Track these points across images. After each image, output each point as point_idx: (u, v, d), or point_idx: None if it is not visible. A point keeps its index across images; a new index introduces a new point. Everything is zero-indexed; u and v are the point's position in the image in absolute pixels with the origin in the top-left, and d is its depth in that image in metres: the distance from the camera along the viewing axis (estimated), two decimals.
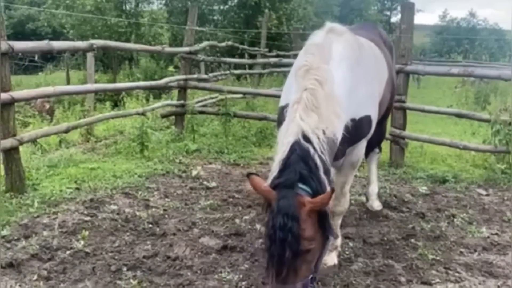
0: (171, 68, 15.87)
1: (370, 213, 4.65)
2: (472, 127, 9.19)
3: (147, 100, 9.94)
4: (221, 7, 24.77)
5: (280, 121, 3.27)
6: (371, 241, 4.04)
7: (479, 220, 4.59)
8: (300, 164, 2.38)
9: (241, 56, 18.04)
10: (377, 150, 4.77)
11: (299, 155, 2.41)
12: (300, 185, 2.35)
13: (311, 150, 2.44)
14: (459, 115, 6.27)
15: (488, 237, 4.18)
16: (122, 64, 21.60)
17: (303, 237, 2.24)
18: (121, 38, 19.01)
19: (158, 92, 12.45)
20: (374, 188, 4.74)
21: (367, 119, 3.20)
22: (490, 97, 12.28)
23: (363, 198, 4.99)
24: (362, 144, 3.30)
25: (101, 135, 7.60)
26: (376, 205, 4.68)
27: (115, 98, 11.54)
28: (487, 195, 5.44)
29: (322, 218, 2.37)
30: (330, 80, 2.70)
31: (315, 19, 24.72)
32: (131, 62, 21.60)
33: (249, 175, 2.43)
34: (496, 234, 4.26)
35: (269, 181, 2.44)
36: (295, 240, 2.21)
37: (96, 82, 9.65)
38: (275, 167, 2.47)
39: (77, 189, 4.97)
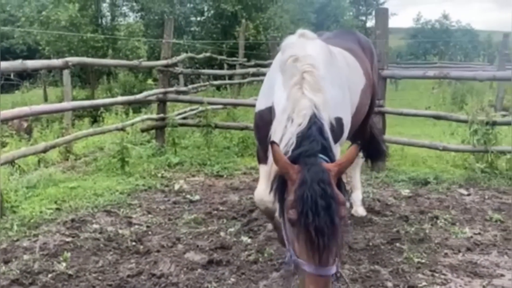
0: (150, 81, 15.76)
1: (355, 219, 4.66)
2: (451, 128, 9.27)
3: (127, 114, 9.86)
4: (198, 19, 24.83)
5: (259, 126, 3.24)
6: (356, 247, 4.04)
7: (462, 221, 4.64)
8: (320, 135, 2.42)
9: (220, 66, 18.06)
10: (360, 155, 4.79)
11: (318, 126, 2.46)
12: (320, 155, 2.36)
13: (325, 123, 2.52)
14: (437, 117, 6.35)
15: (471, 237, 4.23)
16: (100, 78, 21.41)
17: (339, 203, 2.22)
18: (98, 52, 18.86)
19: (137, 106, 12.35)
20: (358, 194, 4.77)
21: (338, 121, 3.10)
22: (466, 97, 12.50)
23: (347, 204, 4.99)
24: (336, 150, 3.11)
25: (81, 153, 7.48)
26: (361, 210, 4.70)
27: (94, 114, 11.41)
28: (468, 194, 5.52)
29: (339, 182, 2.38)
30: (320, 67, 2.77)
31: (292, 27, 24.88)
32: (109, 76, 21.42)
33: (272, 143, 2.32)
34: (479, 233, 4.31)
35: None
36: (337, 206, 2.17)
37: (74, 98, 9.54)
38: (289, 140, 2.45)
39: (58, 209, 4.88)
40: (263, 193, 3.39)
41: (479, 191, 5.61)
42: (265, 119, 3.08)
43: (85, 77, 21.15)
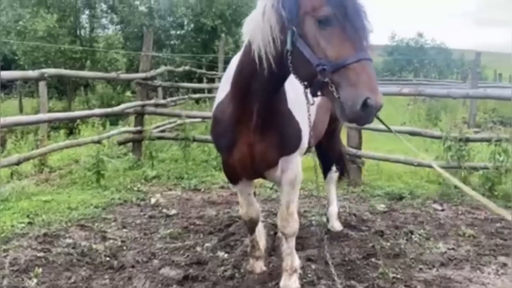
0: (128, 93, 15.71)
1: (331, 233, 4.68)
2: (425, 144, 9.49)
3: (104, 126, 9.74)
4: (178, 32, 24.87)
5: (218, 119, 3.08)
6: (332, 262, 4.02)
7: (436, 236, 4.71)
8: None
9: (199, 80, 18.07)
10: (334, 169, 4.83)
11: None
12: None
13: None
14: (413, 133, 6.47)
15: (445, 252, 4.28)
16: (77, 90, 21.17)
17: None
18: (76, 64, 18.68)
19: (114, 118, 12.24)
20: (334, 209, 4.79)
21: (297, 128, 3.05)
22: (440, 113, 12.77)
23: (324, 219, 5.02)
24: (296, 159, 3.15)
25: (56, 165, 7.35)
26: (337, 225, 4.73)
27: (70, 126, 11.25)
28: (442, 210, 5.61)
29: None
30: None
31: None
32: (86, 88, 21.20)
33: None
34: (453, 249, 4.37)
35: None
36: None
37: (50, 110, 9.37)
38: None
39: (30, 223, 4.76)
40: (247, 208, 3.46)
41: (453, 206, 5.71)
42: (225, 111, 3.00)
43: (62, 88, 20.89)
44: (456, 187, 6.16)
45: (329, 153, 4.66)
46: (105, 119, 10.15)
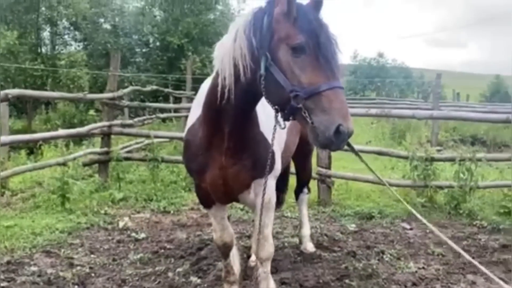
0: (92, 112, 15.35)
1: (304, 255, 4.67)
2: (391, 162, 9.69)
3: (67, 146, 9.46)
4: (143, 50, 24.66)
5: (190, 142, 3.06)
6: (307, 285, 4.04)
7: (406, 255, 4.77)
8: None
9: (165, 98, 17.89)
10: (305, 190, 4.85)
11: None
12: None
13: None
14: (380, 153, 6.59)
15: (416, 271, 4.34)
16: (38, 108, 20.55)
17: None
18: (37, 82, 18.20)
19: (78, 138, 11.92)
20: (306, 230, 4.80)
21: (271, 153, 3.00)
22: (405, 132, 13.11)
23: (296, 240, 5.02)
24: (270, 183, 3.11)
25: (17, 188, 7.06)
26: (310, 247, 4.73)
27: (31, 145, 10.87)
28: (411, 229, 5.71)
29: None
30: None
31: None
32: (47, 106, 20.62)
33: None
34: (423, 268, 4.44)
35: None
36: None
37: (9, 129, 9.04)
38: None
39: None
40: (220, 232, 3.41)
41: (421, 225, 5.81)
42: (197, 134, 2.99)
43: (22, 107, 20.25)
44: (423, 205, 6.31)
45: (301, 175, 4.68)
46: (69, 139, 9.86)
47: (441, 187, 6.40)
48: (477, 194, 6.55)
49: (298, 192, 4.77)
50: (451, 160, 6.35)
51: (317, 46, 2.32)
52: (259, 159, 2.95)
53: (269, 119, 3.01)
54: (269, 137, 2.96)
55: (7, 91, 5.17)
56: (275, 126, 2.63)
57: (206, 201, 3.30)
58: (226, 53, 2.61)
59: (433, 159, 6.36)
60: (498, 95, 37.36)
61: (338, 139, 2.22)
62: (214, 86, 2.77)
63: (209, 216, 3.59)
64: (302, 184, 4.77)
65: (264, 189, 2.89)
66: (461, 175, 6.26)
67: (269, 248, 3.30)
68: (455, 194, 6.19)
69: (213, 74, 2.84)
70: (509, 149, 12.87)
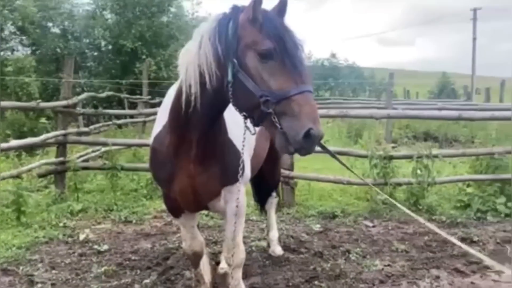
0: (43, 120, 14.75)
1: (272, 258, 4.67)
2: (349, 161, 9.87)
3: (18, 157, 9.05)
4: (95, 53, 24.00)
5: (156, 150, 2.99)
6: None
7: (372, 253, 4.87)
8: None
9: (120, 103, 17.48)
10: (274, 194, 4.86)
11: None
12: None
13: None
14: (340, 153, 6.67)
15: (382, 269, 4.44)
16: None
17: None
18: None
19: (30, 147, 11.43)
20: (274, 234, 4.81)
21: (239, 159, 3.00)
22: (360, 131, 13.39)
23: (264, 244, 5.02)
24: (240, 189, 3.11)
25: None
26: (278, 250, 4.74)
27: None
28: (374, 226, 5.83)
29: None
30: None
31: None
32: None
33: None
34: (389, 265, 4.54)
35: None
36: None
37: None
38: None
39: None
40: (190, 241, 3.36)
41: (383, 222, 5.97)
42: (164, 142, 2.93)
43: None
44: (383, 203, 6.45)
45: (270, 180, 4.68)
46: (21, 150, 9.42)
47: (400, 184, 6.57)
48: (434, 189, 6.78)
49: (266, 196, 4.77)
50: (409, 157, 6.54)
51: (284, 51, 2.32)
52: (228, 166, 2.93)
53: (237, 126, 2.99)
54: (237, 143, 2.95)
55: None
56: (244, 132, 2.62)
57: (175, 210, 3.24)
58: (191, 61, 2.57)
59: (391, 157, 6.52)
60: (445, 91, 38.91)
61: (309, 143, 2.22)
62: (179, 94, 2.72)
63: (179, 225, 3.53)
64: (271, 188, 4.77)
65: (236, 195, 2.87)
66: (419, 171, 6.45)
67: (240, 255, 3.29)
68: (414, 191, 6.38)
69: (178, 81, 2.79)
70: (460, 144, 13.44)
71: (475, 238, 5.23)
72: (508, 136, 9.11)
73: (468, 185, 6.72)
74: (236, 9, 2.50)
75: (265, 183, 4.66)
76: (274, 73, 2.32)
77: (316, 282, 4.14)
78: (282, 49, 2.32)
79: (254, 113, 2.38)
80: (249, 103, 2.38)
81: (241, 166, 2.88)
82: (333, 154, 2.82)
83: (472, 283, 4.12)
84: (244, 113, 2.48)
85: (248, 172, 3.15)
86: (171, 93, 2.94)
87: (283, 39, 2.34)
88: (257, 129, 3.69)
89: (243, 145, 2.80)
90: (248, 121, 2.49)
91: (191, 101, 2.62)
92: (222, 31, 2.47)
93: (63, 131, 6.95)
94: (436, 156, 6.21)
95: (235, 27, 2.43)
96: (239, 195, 3.07)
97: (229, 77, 2.42)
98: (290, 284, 4.12)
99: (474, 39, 37.60)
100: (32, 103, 6.65)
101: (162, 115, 3.00)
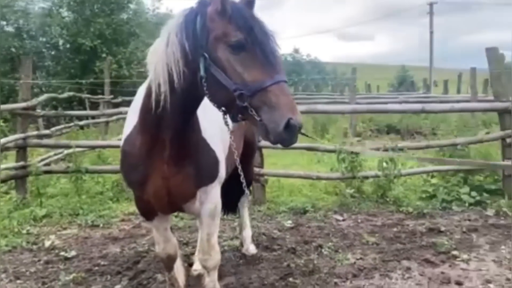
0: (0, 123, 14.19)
1: (246, 257, 4.64)
2: (317, 156, 9.98)
3: None
4: (52, 53, 23.25)
5: (127, 153, 2.90)
6: None
7: (343, 247, 4.91)
8: None
9: (80, 103, 17.00)
10: (247, 192, 4.80)
11: None
12: None
13: None
14: (310, 149, 6.73)
15: (355, 262, 4.49)
16: None
17: None
18: None
19: None
20: (248, 232, 4.77)
21: (215, 160, 3.01)
22: (325, 125, 13.54)
23: (236, 243, 4.98)
24: (215, 190, 3.09)
25: None
26: (252, 248, 4.71)
27: None
28: (344, 220, 5.89)
29: None
30: None
31: None
32: None
33: None
34: (361, 258, 4.59)
35: None
36: None
37: None
38: None
39: None
40: (164, 244, 3.29)
41: (352, 215, 6.04)
42: (135, 144, 2.83)
43: None
44: (352, 196, 6.53)
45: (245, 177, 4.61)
46: None
47: (367, 177, 6.66)
48: (399, 181, 6.92)
49: (240, 195, 4.71)
50: (375, 150, 6.63)
51: (256, 41, 2.29)
52: (203, 166, 2.87)
53: (211, 124, 2.94)
54: (212, 142, 2.90)
55: None
56: (228, 129, 2.56)
57: (148, 213, 3.15)
58: (159, 60, 2.51)
59: (358, 152, 6.60)
60: (405, 84, 39.88)
61: (289, 133, 2.19)
62: (148, 94, 2.64)
63: (151, 228, 3.44)
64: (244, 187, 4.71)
65: (211, 196, 2.81)
66: (384, 164, 6.56)
67: (216, 256, 3.24)
68: (380, 183, 6.49)
69: (147, 81, 2.71)
70: (421, 136, 13.81)
71: (442, 228, 5.36)
72: (467, 127, 9.42)
73: (432, 176, 6.91)
74: (203, 3, 2.44)
75: (238, 181, 4.60)
76: (247, 64, 2.28)
77: (290, 279, 4.14)
78: (253, 39, 2.29)
79: (231, 107, 2.34)
80: (224, 98, 2.34)
81: (217, 166, 2.83)
82: (313, 137, 2.81)
83: (442, 272, 4.21)
84: (223, 108, 2.43)
85: (223, 172, 3.09)
86: (141, 93, 2.85)
87: (254, 29, 2.30)
88: (231, 126, 3.67)
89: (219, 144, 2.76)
90: (227, 116, 2.44)
91: (161, 101, 2.55)
92: (189, 26, 2.42)
93: (22, 135, 6.68)
94: (401, 149, 6.33)
95: (203, 21, 2.38)
96: (214, 196, 3.02)
97: (202, 72, 2.37)
98: (265, 282, 4.10)
99: (431, 32, 38.74)
100: None
101: (132, 116, 2.90)
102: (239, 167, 3.53)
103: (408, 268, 4.32)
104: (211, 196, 3.04)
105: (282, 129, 2.17)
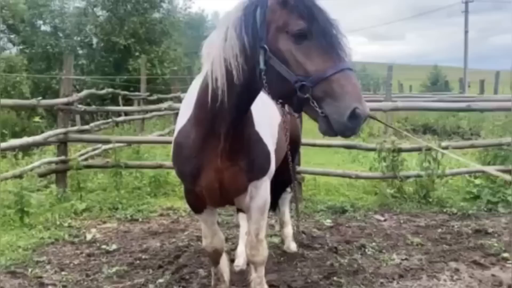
0: (36, 119, 14.53)
1: (287, 255, 4.58)
2: (351, 155, 9.82)
3: (16, 157, 8.87)
4: (86, 51, 23.73)
5: (181, 144, 2.87)
6: (296, 285, 3.94)
7: (387, 247, 4.79)
8: None
9: (113, 101, 17.26)
10: (288, 190, 4.75)
11: None
12: None
13: None
14: (348, 147, 6.62)
15: (400, 263, 4.36)
16: None
17: None
18: None
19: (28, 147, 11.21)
20: (289, 229, 4.70)
21: (267, 154, 2.96)
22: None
23: (276, 240, 4.92)
24: (265, 184, 3.05)
25: None
26: (293, 246, 4.64)
27: None
28: (385, 220, 5.76)
29: None
30: None
31: (186, 60, 24.92)
32: None
33: None
34: (406, 259, 4.46)
35: None
36: None
37: None
38: None
39: None
40: (211, 238, 3.27)
41: (394, 216, 5.89)
42: (189, 136, 2.82)
43: None
44: (393, 196, 6.38)
45: (286, 174, 4.55)
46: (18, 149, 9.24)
47: (409, 177, 6.49)
48: (442, 182, 6.71)
49: (281, 191, 4.66)
50: (418, 150, 6.46)
51: (318, 30, 2.21)
52: (256, 160, 2.83)
53: (262, 119, 2.89)
54: (264, 136, 2.85)
55: None
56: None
57: (198, 205, 3.12)
58: (216, 55, 2.47)
59: (400, 150, 6.44)
60: (438, 84, 39.06)
61: (354, 124, 2.10)
62: (204, 88, 2.61)
63: (200, 221, 3.41)
64: (286, 183, 4.65)
65: (261, 191, 2.76)
66: (427, 164, 6.38)
67: (263, 252, 3.19)
68: (423, 183, 6.31)
69: (203, 74, 2.69)
70: (458, 136, 13.43)
71: (490, 230, 5.17)
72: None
73: (476, 177, 6.68)
74: None
75: (281, 178, 4.53)
76: (309, 54, 2.21)
77: (334, 278, 4.05)
78: (316, 28, 2.21)
79: (292, 99, 2.28)
80: (285, 90, 2.28)
81: (268, 160, 2.77)
82: (387, 124, 2.73)
83: (493, 275, 4.05)
84: (281, 100, 2.39)
85: (273, 167, 3.04)
86: (194, 85, 2.83)
87: (317, 17, 2.23)
88: (278, 120, 3.61)
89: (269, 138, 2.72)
90: (286, 107, 2.41)
91: (218, 95, 2.52)
92: (248, 20, 2.36)
93: (63, 129, 6.79)
94: (446, 148, 6.13)
95: (263, 13, 2.33)
96: (265, 190, 2.97)
97: (261, 65, 2.32)
98: (308, 280, 4.02)
99: (466, 32, 37.74)
100: (33, 101, 6.49)
101: (186, 108, 2.88)
102: (289, 161, 3.50)
103: (457, 270, 4.17)
104: (261, 191, 3.00)
105: (345, 119, 2.08)
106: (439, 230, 5.27)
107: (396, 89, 30.54)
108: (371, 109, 7.35)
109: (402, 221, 5.65)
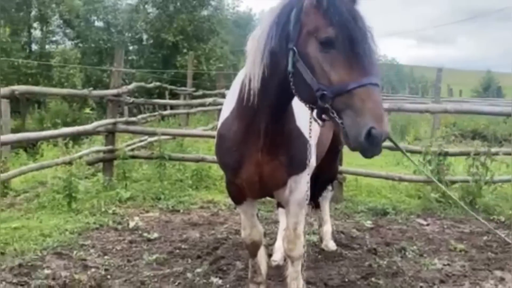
0: (87, 110, 15.11)
1: (325, 253, 4.55)
2: (395, 158, 9.61)
3: (66, 145, 9.25)
4: (136, 47, 24.41)
5: (224, 136, 2.90)
6: (332, 284, 3.92)
7: (428, 252, 4.67)
8: None
9: (159, 95, 17.68)
10: (329, 188, 4.72)
11: None
12: None
13: None
14: (392, 149, 6.45)
15: (442, 268, 4.24)
16: (30, 107, 20.23)
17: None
18: (30, 80, 17.90)
19: (78, 136, 11.67)
20: (328, 228, 4.67)
21: (305, 145, 2.90)
22: (407, 128, 13.04)
23: (314, 238, 4.90)
24: (305, 179, 2.99)
25: (20, 188, 6.84)
26: (331, 245, 4.60)
27: (24, 145, 10.61)
28: (428, 224, 5.61)
29: None
30: None
31: (232, 57, 25.16)
32: (40, 105, 20.29)
33: None
34: (448, 264, 4.33)
35: None
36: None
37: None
38: None
39: (1, 253, 4.35)
40: (250, 230, 3.29)
41: (437, 220, 5.73)
42: (231, 128, 2.84)
43: (13, 106, 19.88)
44: (437, 201, 6.20)
45: (328, 171, 4.52)
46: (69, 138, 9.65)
47: (454, 182, 6.30)
48: (489, 189, 6.46)
49: (322, 189, 4.63)
50: (466, 154, 6.24)
51: (347, 39, 2.11)
52: (296, 155, 2.83)
53: (304, 113, 2.88)
54: (305, 131, 2.84)
55: (13, 87, 4.96)
56: (310, 119, 2.51)
57: (238, 197, 3.16)
58: (254, 50, 2.48)
59: (446, 154, 6.26)
60: (490, 89, 37.59)
61: (371, 143, 2.02)
62: (245, 83, 2.63)
63: (239, 212, 3.45)
64: (328, 181, 4.62)
65: (301, 185, 2.76)
66: (474, 169, 6.16)
67: (301, 247, 3.18)
68: (470, 189, 6.10)
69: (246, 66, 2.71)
70: (509, 143, 12.87)
71: None
72: None
73: None
74: None
75: (323, 175, 4.51)
76: (334, 63, 2.13)
77: (373, 279, 3.99)
78: (345, 37, 2.12)
79: (316, 106, 2.26)
80: (308, 96, 2.26)
81: (309, 155, 2.77)
82: (404, 152, 2.69)
83: None
84: (308, 105, 2.37)
85: (313, 162, 3.03)
86: (240, 77, 2.85)
87: (348, 26, 2.13)
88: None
89: (310, 133, 2.70)
90: (313, 112, 2.36)
91: (251, 96, 2.55)
92: (282, 19, 2.34)
93: (112, 120, 7.02)
94: (496, 154, 5.90)
95: (297, 14, 2.28)
96: (304, 185, 2.96)
97: (289, 67, 2.29)
98: (346, 280, 3.99)
99: None
100: (84, 91, 6.75)
101: (230, 101, 2.92)
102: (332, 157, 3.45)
103: (502, 279, 4.01)
104: (301, 185, 2.99)
105: (362, 139, 2.02)
106: (485, 237, 5.08)
107: (446, 93, 29.65)
108: (422, 110, 7.11)
109: (445, 226, 5.49)
